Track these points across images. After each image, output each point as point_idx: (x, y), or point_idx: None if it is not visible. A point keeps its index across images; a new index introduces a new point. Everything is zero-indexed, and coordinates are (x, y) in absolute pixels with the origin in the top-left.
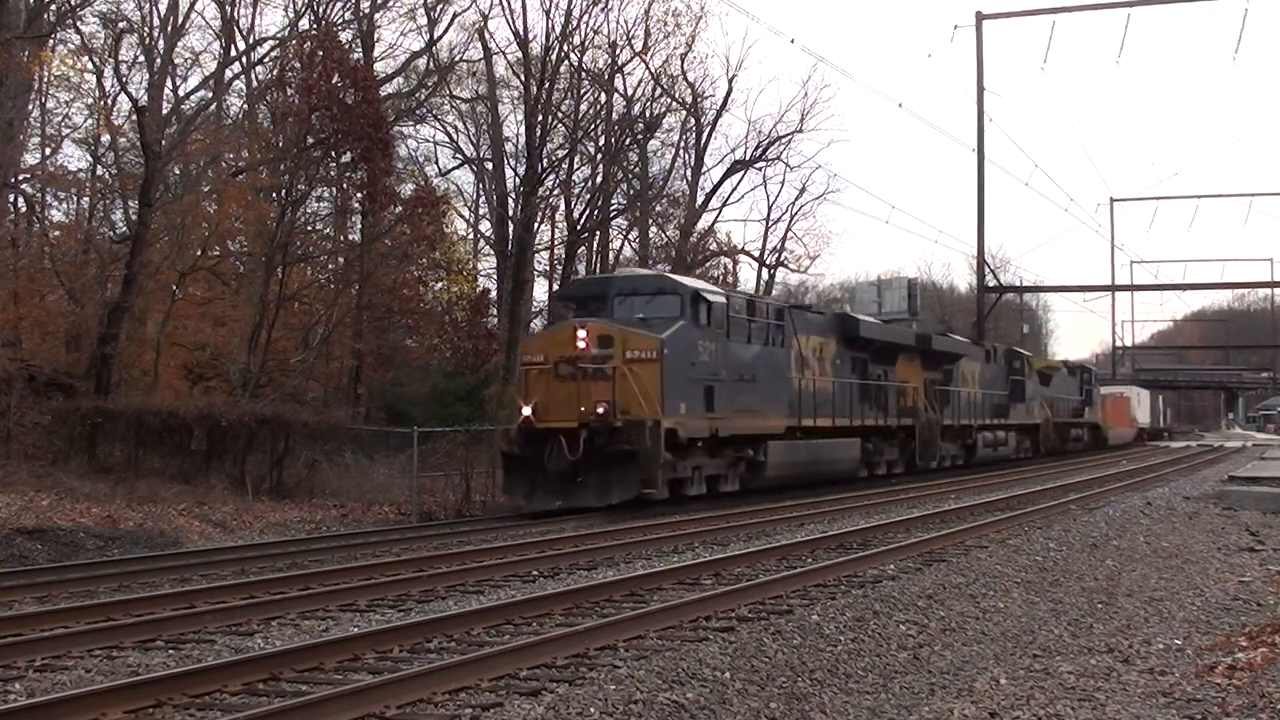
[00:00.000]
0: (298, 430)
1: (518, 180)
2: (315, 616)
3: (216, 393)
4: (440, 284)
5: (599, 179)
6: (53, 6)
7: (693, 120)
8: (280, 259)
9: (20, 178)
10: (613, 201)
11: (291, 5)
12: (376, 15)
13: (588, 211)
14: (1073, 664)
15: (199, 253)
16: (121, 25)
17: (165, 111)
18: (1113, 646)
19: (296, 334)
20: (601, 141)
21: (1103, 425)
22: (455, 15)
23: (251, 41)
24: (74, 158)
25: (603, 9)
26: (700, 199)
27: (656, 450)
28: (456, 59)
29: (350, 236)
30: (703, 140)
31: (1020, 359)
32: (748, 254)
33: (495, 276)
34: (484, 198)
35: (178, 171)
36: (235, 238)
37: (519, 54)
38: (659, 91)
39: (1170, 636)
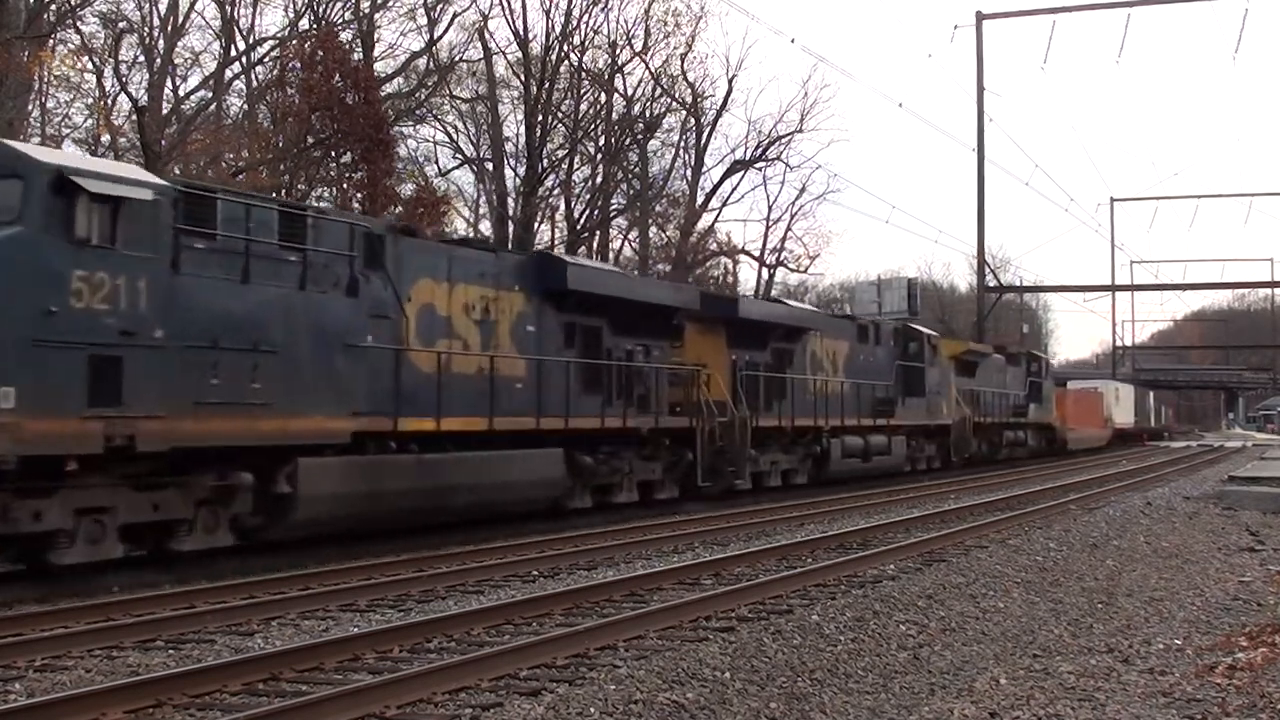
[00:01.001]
0: None
1: (518, 180)
2: (315, 616)
3: None
4: None
5: (599, 179)
6: (53, 6)
7: (693, 120)
8: None
9: None
10: (613, 201)
11: (291, 5)
12: (376, 15)
13: (588, 211)
14: (1073, 664)
15: None
16: (121, 25)
17: (165, 111)
18: (1113, 646)
19: None
20: (601, 141)
21: (1059, 426)
22: (455, 15)
23: (251, 41)
24: None
25: (603, 9)
26: (700, 199)
27: None
28: (456, 59)
29: None
30: (703, 140)
31: (919, 339)
32: (748, 254)
33: None
34: (484, 198)
35: (178, 171)
36: None
37: (519, 54)
38: (659, 91)
39: (1170, 636)
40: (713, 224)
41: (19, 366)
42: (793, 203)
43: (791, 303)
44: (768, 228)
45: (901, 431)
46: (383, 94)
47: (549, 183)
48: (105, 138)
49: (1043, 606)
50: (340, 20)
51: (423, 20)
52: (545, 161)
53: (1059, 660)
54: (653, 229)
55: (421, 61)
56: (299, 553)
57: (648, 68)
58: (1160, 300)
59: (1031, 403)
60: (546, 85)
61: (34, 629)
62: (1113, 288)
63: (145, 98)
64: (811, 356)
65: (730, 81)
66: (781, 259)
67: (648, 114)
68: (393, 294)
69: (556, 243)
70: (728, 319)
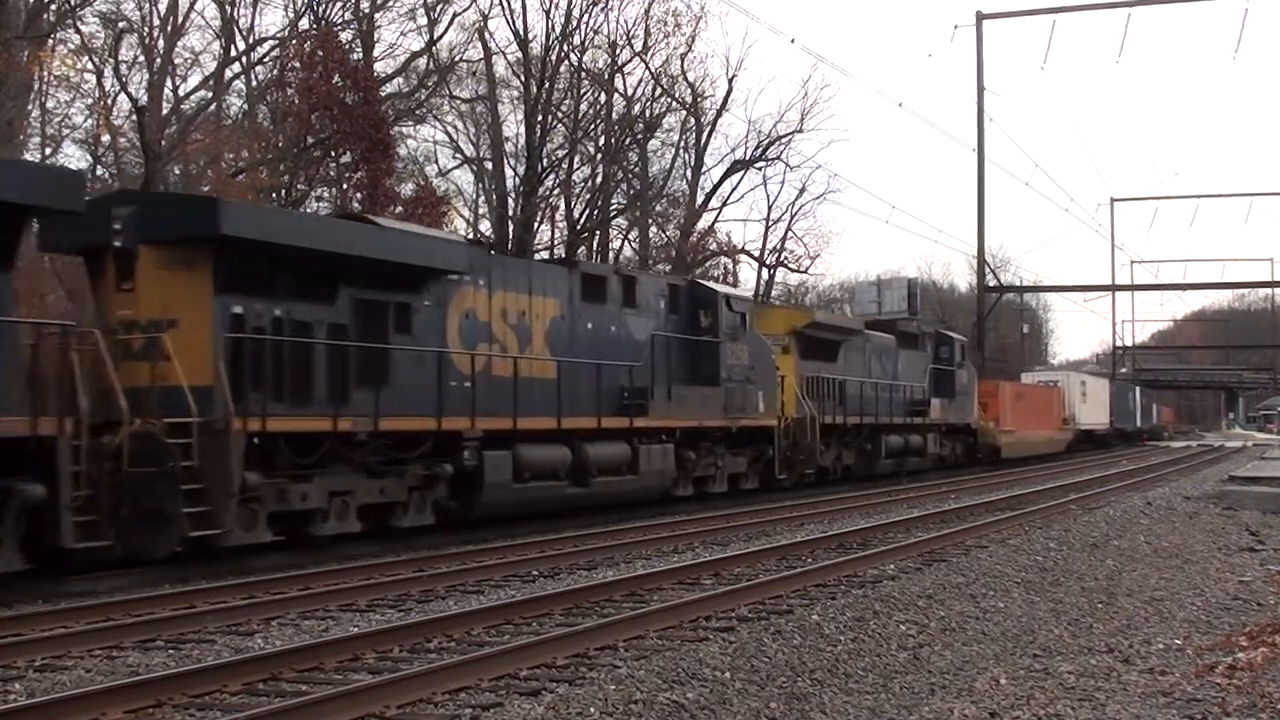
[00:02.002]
0: None
1: (518, 180)
2: (315, 616)
3: None
4: None
5: (599, 179)
6: (53, 6)
7: (693, 120)
8: None
9: None
10: (613, 201)
11: (291, 5)
12: (376, 15)
13: (588, 211)
14: (1073, 664)
15: None
16: (121, 25)
17: (165, 111)
18: (1113, 646)
19: None
20: (601, 141)
21: (984, 429)
22: (455, 15)
23: (251, 41)
24: (74, 158)
25: (603, 9)
26: (700, 199)
27: None
28: (456, 59)
29: None
30: (703, 140)
31: (711, 301)
32: (748, 254)
33: None
34: (484, 198)
35: (178, 171)
36: None
37: (519, 54)
38: (659, 91)
39: (1170, 636)
40: (713, 224)
41: None
42: (793, 203)
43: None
44: (768, 228)
45: (656, 439)
46: (383, 94)
47: (549, 183)
48: (105, 138)
49: (1043, 606)
50: (340, 20)
51: (423, 20)
52: (545, 161)
53: (1059, 660)
54: (653, 229)
55: (421, 61)
56: (299, 553)
57: (648, 68)
58: (1160, 300)
59: (938, 398)
60: (546, 85)
61: (34, 629)
62: (1113, 288)
63: (145, 98)
64: (465, 318)
65: (730, 81)
66: (781, 259)
67: (648, 114)
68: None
69: (556, 243)
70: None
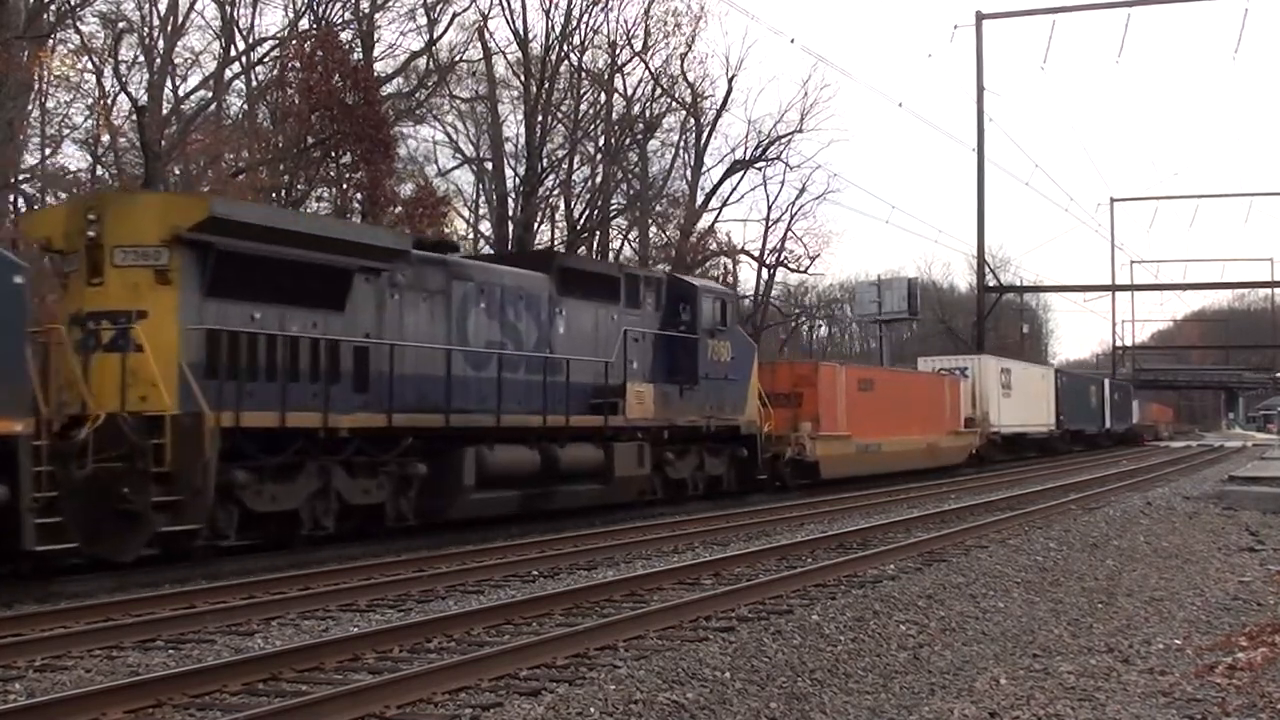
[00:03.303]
0: None
1: (518, 180)
2: (315, 616)
3: None
4: None
5: (599, 179)
6: (53, 6)
7: (692, 120)
8: None
9: (20, 178)
10: (613, 201)
11: (291, 5)
12: (376, 15)
13: (588, 211)
14: (1073, 664)
15: None
16: (121, 25)
17: (165, 111)
18: (1113, 646)
19: None
20: (601, 141)
21: (783, 437)
22: (455, 15)
23: (251, 41)
24: (74, 158)
25: (603, 9)
26: (700, 199)
27: None
28: (456, 59)
29: None
30: (702, 140)
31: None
32: (748, 254)
33: None
34: (484, 198)
35: (178, 171)
36: None
37: (519, 54)
38: (659, 91)
39: (1170, 636)
40: (713, 224)
41: None
42: (793, 203)
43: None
44: (767, 228)
45: None
46: (383, 94)
47: (549, 183)
48: (105, 138)
49: (1043, 606)
50: (340, 20)
51: (423, 20)
52: (545, 161)
53: (1059, 660)
54: (653, 229)
55: (421, 61)
56: (300, 552)
57: (648, 68)
58: (1160, 300)
59: (659, 383)
60: (546, 85)
61: (34, 629)
62: (1113, 288)
63: (145, 98)
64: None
65: (730, 81)
66: (781, 259)
67: (648, 114)
68: None
69: (556, 243)
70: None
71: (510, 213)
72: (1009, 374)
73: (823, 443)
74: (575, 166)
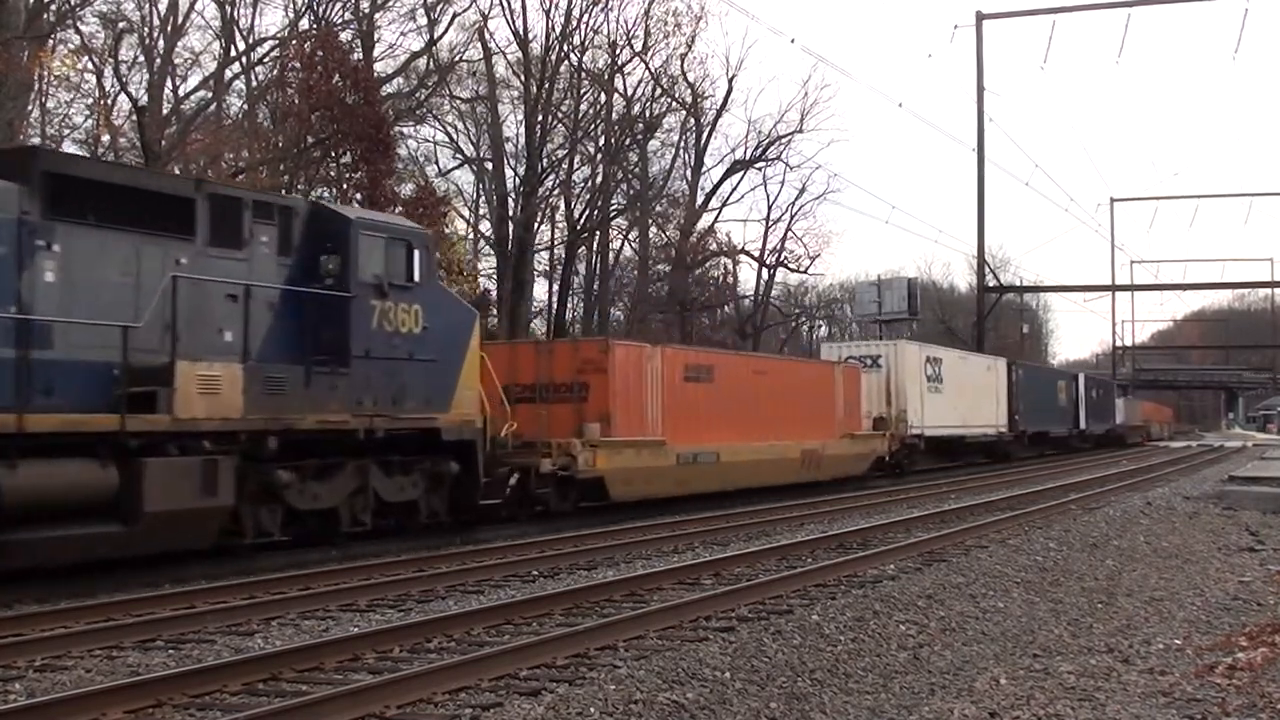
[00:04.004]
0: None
1: (518, 180)
2: (315, 616)
3: None
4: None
5: (599, 179)
6: (53, 6)
7: (693, 120)
8: None
9: None
10: (613, 201)
11: (291, 5)
12: (376, 15)
13: (588, 211)
14: (1073, 664)
15: None
16: (121, 25)
17: (165, 111)
18: (1113, 646)
19: None
20: (601, 141)
21: (519, 430)
22: (455, 15)
23: (251, 41)
24: None
25: (603, 9)
26: (700, 199)
27: None
28: (456, 59)
29: None
30: (703, 140)
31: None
32: (748, 254)
33: (495, 276)
34: (484, 198)
35: (178, 171)
36: None
37: (519, 54)
38: (659, 91)
39: (1170, 636)
40: (713, 224)
41: None
42: (793, 203)
43: None
44: (768, 228)
45: None
46: (383, 94)
47: (549, 183)
48: (105, 138)
49: (1043, 606)
50: (340, 20)
51: (423, 20)
52: (545, 161)
53: (1059, 660)
54: (653, 229)
55: (421, 61)
56: (301, 551)
57: (648, 68)
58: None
59: (282, 364)
60: (546, 85)
61: (34, 629)
62: (1113, 288)
63: (145, 98)
64: None
65: (730, 81)
66: (781, 259)
67: (648, 114)
68: None
69: (556, 243)
70: None
71: (510, 213)
72: (938, 364)
73: (609, 452)
74: (575, 166)
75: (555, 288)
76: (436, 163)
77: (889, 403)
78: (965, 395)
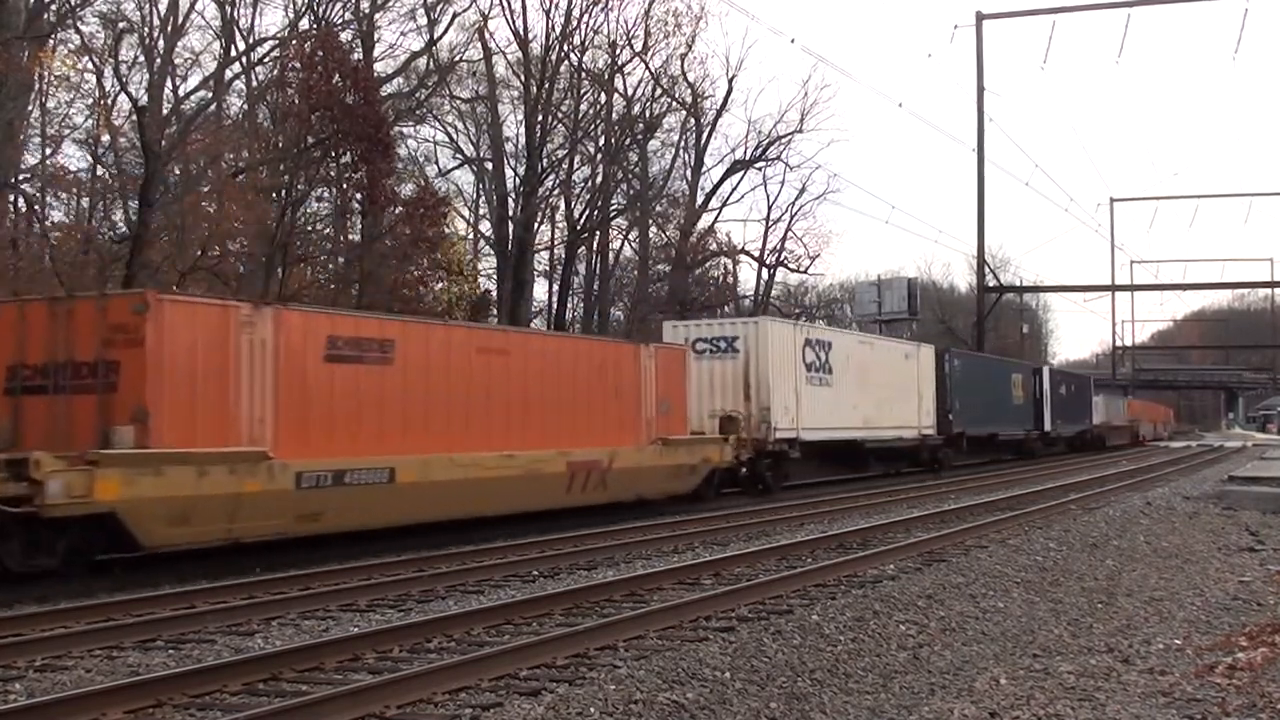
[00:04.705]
0: None
1: (518, 180)
2: (315, 616)
3: None
4: (441, 284)
5: (599, 179)
6: (53, 6)
7: (693, 120)
8: (280, 259)
9: (20, 178)
10: (613, 201)
11: (291, 5)
12: (376, 15)
13: (588, 211)
14: (1073, 664)
15: (199, 253)
16: (121, 25)
17: (165, 111)
18: (1113, 646)
19: None
20: (601, 141)
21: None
22: (455, 15)
23: (251, 41)
24: (74, 158)
25: (603, 9)
26: (700, 199)
27: None
28: (456, 59)
29: (350, 237)
30: (703, 140)
31: None
32: (748, 254)
33: (495, 276)
34: (484, 198)
35: (178, 171)
36: (235, 238)
37: (519, 54)
38: (659, 91)
39: (1170, 636)
40: (713, 224)
41: None
42: (793, 203)
43: None
44: (768, 228)
45: None
46: (383, 94)
47: (549, 183)
48: (105, 138)
49: (1043, 606)
50: (340, 20)
51: (423, 20)
52: (545, 161)
53: (1059, 660)
54: (653, 229)
55: (421, 61)
56: (301, 552)
57: (648, 68)
58: (1160, 300)
59: None
60: (546, 85)
61: (34, 629)
62: (1113, 288)
63: (145, 98)
64: None
65: (730, 81)
66: (781, 259)
67: (648, 114)
68: None
69: (556, 243)
70: None
71: (510, 213)
72: (823, 350)
73: (131, 473)
74: (575, 166)
75: (555, 288)
76: (436, 163)
77: (747, 397)
78: (870, 390)
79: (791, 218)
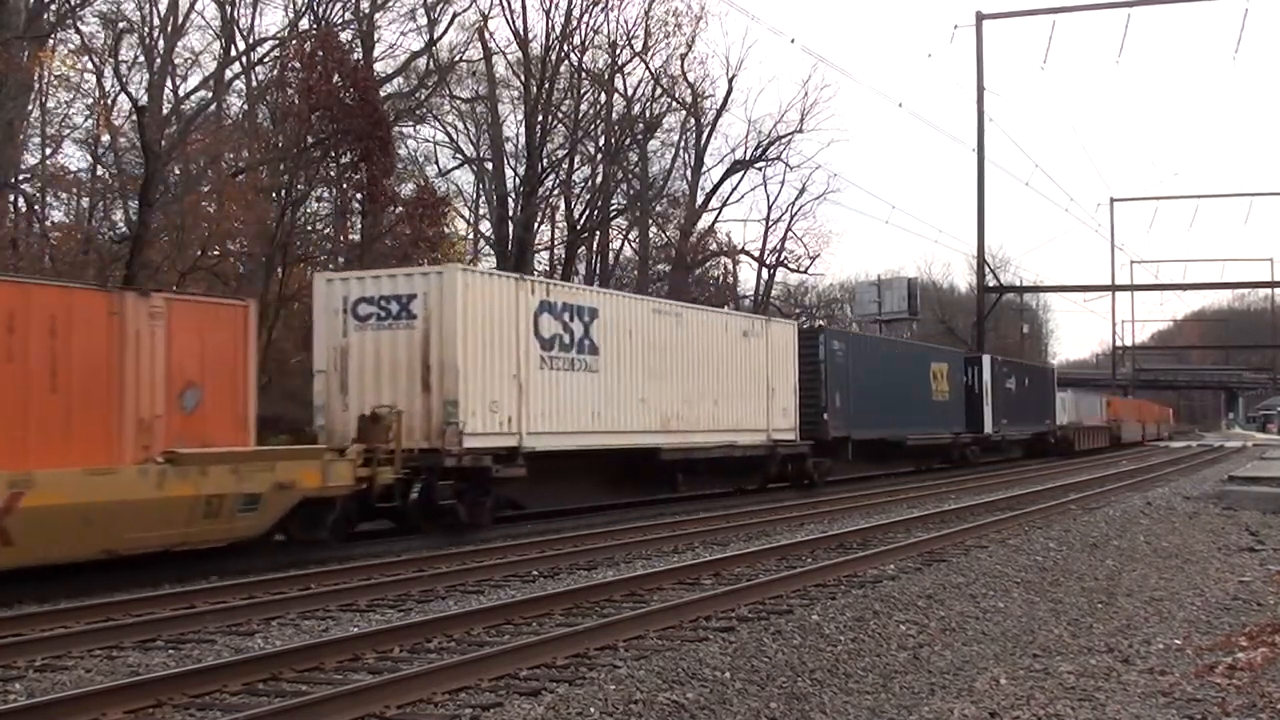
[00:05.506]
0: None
1: (518, 180)
2: (315, 616)
3: None
4: None
5: (599, 179)
6: (53, 6)
7: (693, 120)
8: (280, 259)
9: (20, 178)
10: (613, 201)
11: (291, 5)
12: (376, 15)
13: (588, 211)
14: (1073, 664)
15: (199, 253)
16: (121, 25)
17: (165, 111)
18: (1113, 646)
19: (297, 334)
20: (601, 141)
21: None
22: (455, 15)
23: (251, 41)
24: (74, 158)
25: (603, 9)
26: (700, 199)
27: None
28: (456, 59)
29: (350, 237)
30: (703, 140)
31: None
32: (748, 254)
33: None
34: (484, 198)
35: (178, 171)
36: (235, 238)
37: (519, 54)
38: (659, 91)
39: (1170, 636)
40: (713, 224)
41: None
42: (793, 203)
43: None
44: (768, 228)
45: None
46: (383, 94)
47: (549, 183)
48: (105, 138)
49: (1043, 606)
50: (340, 20)
51: (423, 20)
52: (545, 161)
53: (1059, 660)
54: (653, 229)
55: (421, 61)
56: (300, 552)
57: (648, 68)
58: (1160, 300)
59: None
60: (546, 85)
61: (34, 629)
62: (1113, 288)
63: (145, 98)
64: None
65: (730, 81)
66: (781, 259)
67: (648, 114)
68: None
69: (556, 243)
70: None
71: (510, 213)
72: (581, 318)
73: None
74: (575, 166)
75: None
76: (436, 163)
77: (426, 387)
78: (674, 379)
79: (791, 218)
